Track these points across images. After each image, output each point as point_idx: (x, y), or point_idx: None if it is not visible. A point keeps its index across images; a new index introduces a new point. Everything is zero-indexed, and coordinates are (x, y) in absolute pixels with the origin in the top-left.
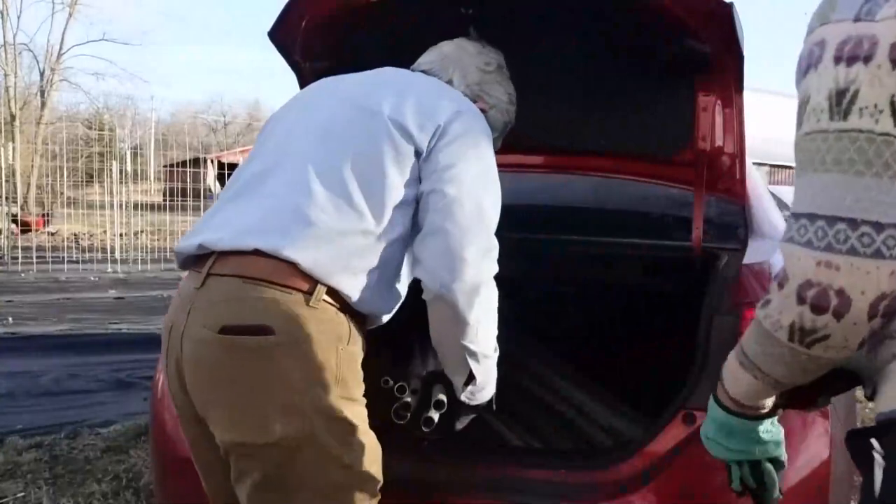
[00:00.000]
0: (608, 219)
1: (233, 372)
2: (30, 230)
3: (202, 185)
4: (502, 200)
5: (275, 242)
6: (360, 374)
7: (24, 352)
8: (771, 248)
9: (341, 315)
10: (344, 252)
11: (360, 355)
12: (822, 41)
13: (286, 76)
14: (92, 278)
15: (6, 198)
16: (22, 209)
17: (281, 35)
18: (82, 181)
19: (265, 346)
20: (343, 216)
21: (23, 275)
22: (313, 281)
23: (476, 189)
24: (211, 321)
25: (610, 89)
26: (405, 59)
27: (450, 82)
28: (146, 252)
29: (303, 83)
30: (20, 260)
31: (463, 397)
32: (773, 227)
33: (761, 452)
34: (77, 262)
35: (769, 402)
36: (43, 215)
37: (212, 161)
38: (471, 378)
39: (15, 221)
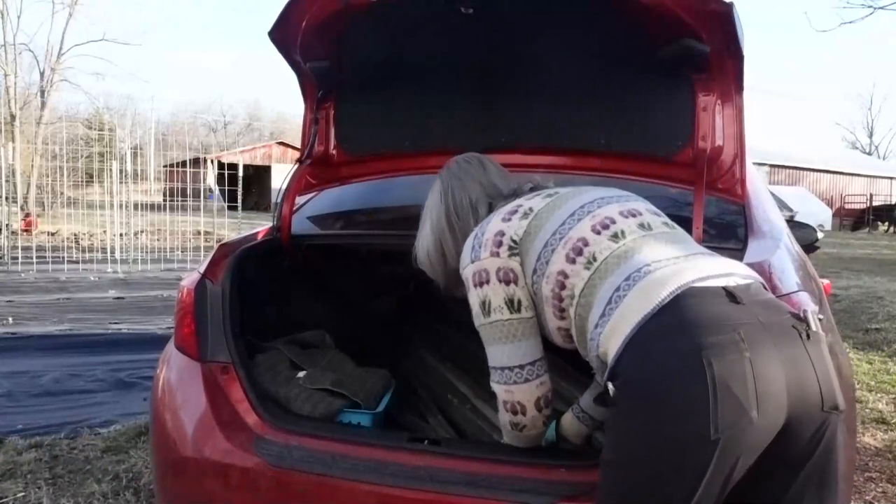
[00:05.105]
0: None
1: None
2: (26, 231)
3: (202, 185)
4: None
5: None
6: None
7: (24, 352)
8: (771, 247)
9: None
10: None
11: None
12: (469, 276)
13: (286, 76)
14: (92, 278)
15: (6, 198)
16: (22, 209)
17: (281, 35)
18: (82, 181)
19: None
20: None
21: (23, 275)
22: None
23: None
24: None
25: (610, 89)
26: (405, 59)
27: None
28: (146, 252)
29: (303, 83)
30: (20, 260)
31: None
32: (773, 227)
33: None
34: (77, 262)
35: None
36: (27, 215)
37: (212, 161)
38: None
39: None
